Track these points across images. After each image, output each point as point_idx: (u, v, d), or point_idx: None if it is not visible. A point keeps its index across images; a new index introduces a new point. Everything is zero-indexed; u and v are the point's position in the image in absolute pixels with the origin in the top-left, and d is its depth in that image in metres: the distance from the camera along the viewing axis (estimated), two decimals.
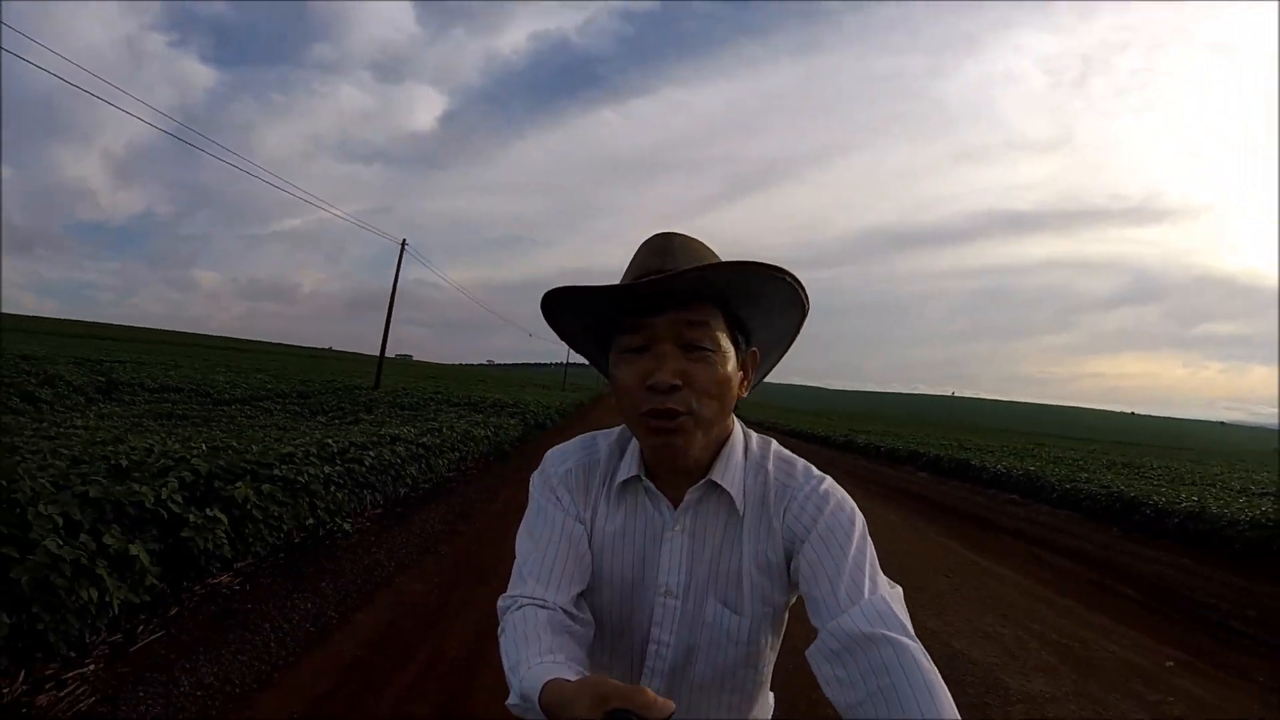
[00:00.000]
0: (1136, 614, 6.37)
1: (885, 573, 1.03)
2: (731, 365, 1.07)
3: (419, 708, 3.41)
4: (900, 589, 1.00)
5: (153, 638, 3.81)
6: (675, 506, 1.14)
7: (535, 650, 0.92)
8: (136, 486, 4.32)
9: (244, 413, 14.59)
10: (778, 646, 1.19)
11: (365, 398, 20.63)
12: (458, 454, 10.58)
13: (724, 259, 1.06)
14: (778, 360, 1.25)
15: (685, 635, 1.12)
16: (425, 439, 9.45)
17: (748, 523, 1.13)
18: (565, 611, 1.04)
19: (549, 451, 1.26)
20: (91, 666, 3.42)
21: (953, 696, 0.85)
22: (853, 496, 1.14)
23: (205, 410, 14.38)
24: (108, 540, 3.77)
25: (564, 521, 1.14)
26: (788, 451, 1.21)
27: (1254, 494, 12.84)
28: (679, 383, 1.01)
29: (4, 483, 3.80)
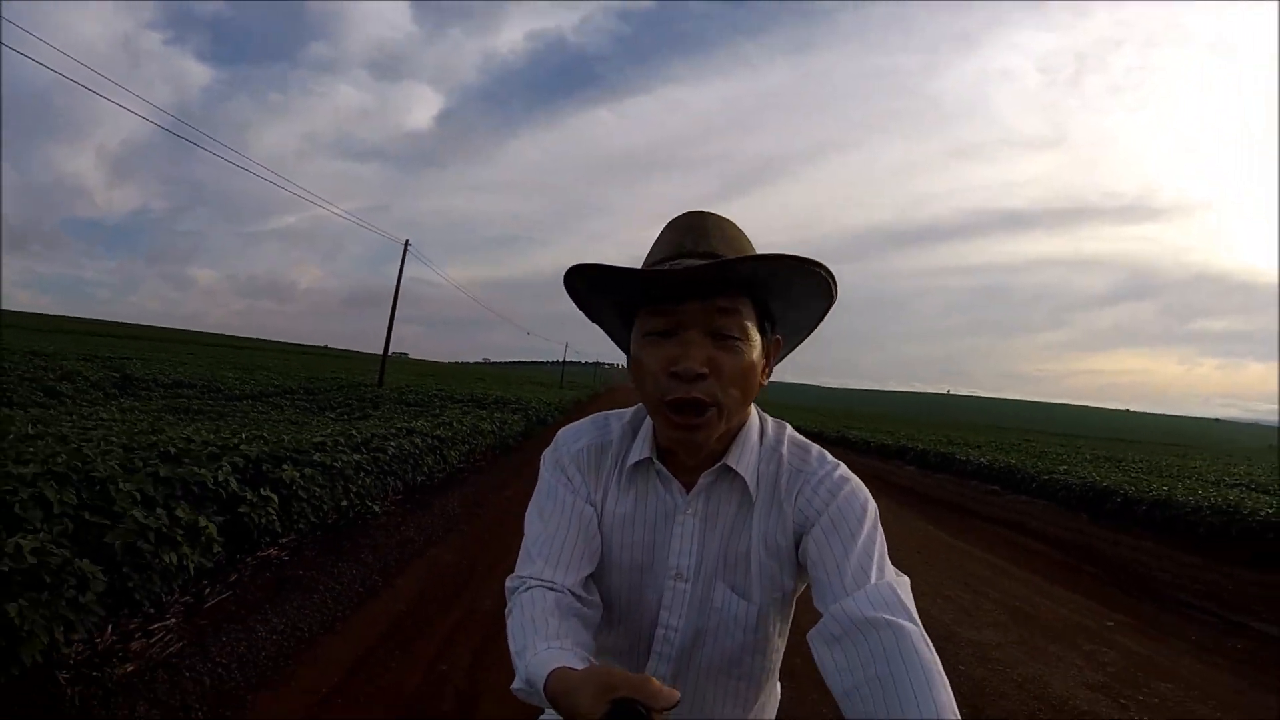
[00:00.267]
0: (1091, 586, 7.02)
1: None
2: (757, 354, 1.06)
3: (460, 648, 4.05)
4: (908, 578, 1.00)
5: (220, 598, 4.39)
6: (687, 490, 1.14)
7: (542, 635, 0.93)
8: (197, 469, 4.91)
9: (255, 408, 14.93)
10: (786, 634, 1.20)
11: (370, 394, 21.13)
12: (467, 446, 11.15)
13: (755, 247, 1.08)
14: (796, 346, 1.24)
15: (694, 619, 1.12)
16: (439, 432, 10.04)
17: (759, 508, 1.12)
18: (573, 594, 1.05)
19: (561, 430, 1.26)
20: (172, 620, 3.99)
21: None
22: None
23: (219, 405, 14.85)
24: (180, 514, 4.34)
25: (574, 502, 1.14)
26: (802, 437, 1.21)
27: (1227, 485, 13.57)
28: (706, 371, 1.00)
29: (80, 464, 4.39)
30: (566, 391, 49.65)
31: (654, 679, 0.75)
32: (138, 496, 4.28)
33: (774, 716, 1.30)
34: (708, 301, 1.00)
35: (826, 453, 1.16)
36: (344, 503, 6.31)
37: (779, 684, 1.27)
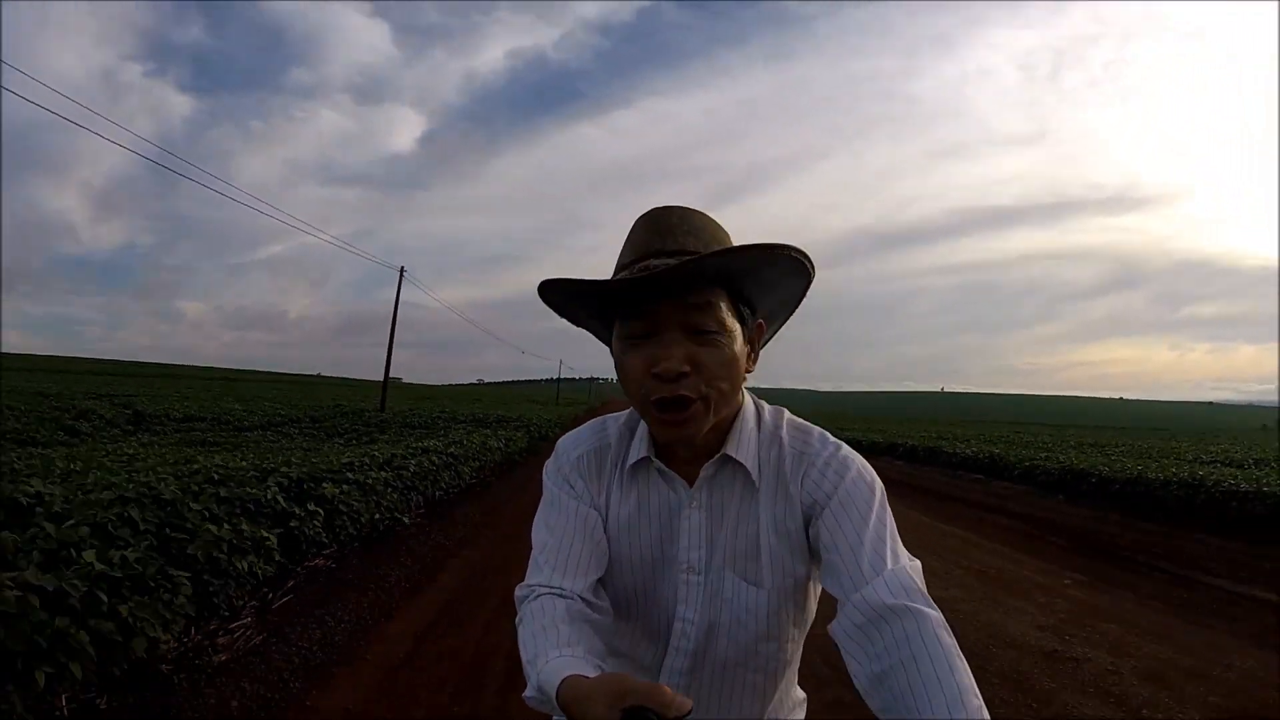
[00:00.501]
0: (1055, 553, 7.78)
1: None
2: (739, 344, 1.05)
3: (504, 623, 4.70)
4: (919, 562, 1.00)
5: (283, 601, 5.02)
6: (690, 484, 1.13)
7: (553, 643, 0.91)
8: (249, 489, 5.54)
9: (267, 437, 15.45)
10: (804, 626, 1.18)
11: (375, 419, 21.69)
12: (478, 463, 11.79)
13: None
14: (781, 326, 1.23)
15: (707, 611, 1.11)
16: (452, 450, 10.69)
17: (764, 493, 1.11)
18: (583, 600, 1.03)
19: (561, 439, 1.26)
20: (248, 619, 4.61)
21: None
22: None
23: (231, 437, 15.36)
24: (244, 528, 4.96)
25: (578, 509, 1.14)
26: (801, 419, 1.20)
27: (1203, 462, 14.30)
28: (687, 369, 1.00)
29: (148, 489, 5.01)
30: (563, 408, 50.34)
31: (667, 687, 0.72)
32: (206, 514, 4.90)
33: None
34: (681, 299, 0.99)
35: (828, 434, 1.16)
36: (377, 515, 6.92)
37: (802, 691, 1.28)
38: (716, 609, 1.11)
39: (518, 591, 1.06)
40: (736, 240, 1.10)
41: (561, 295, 1.07)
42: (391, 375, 32.81)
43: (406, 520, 7.52)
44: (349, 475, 6.85)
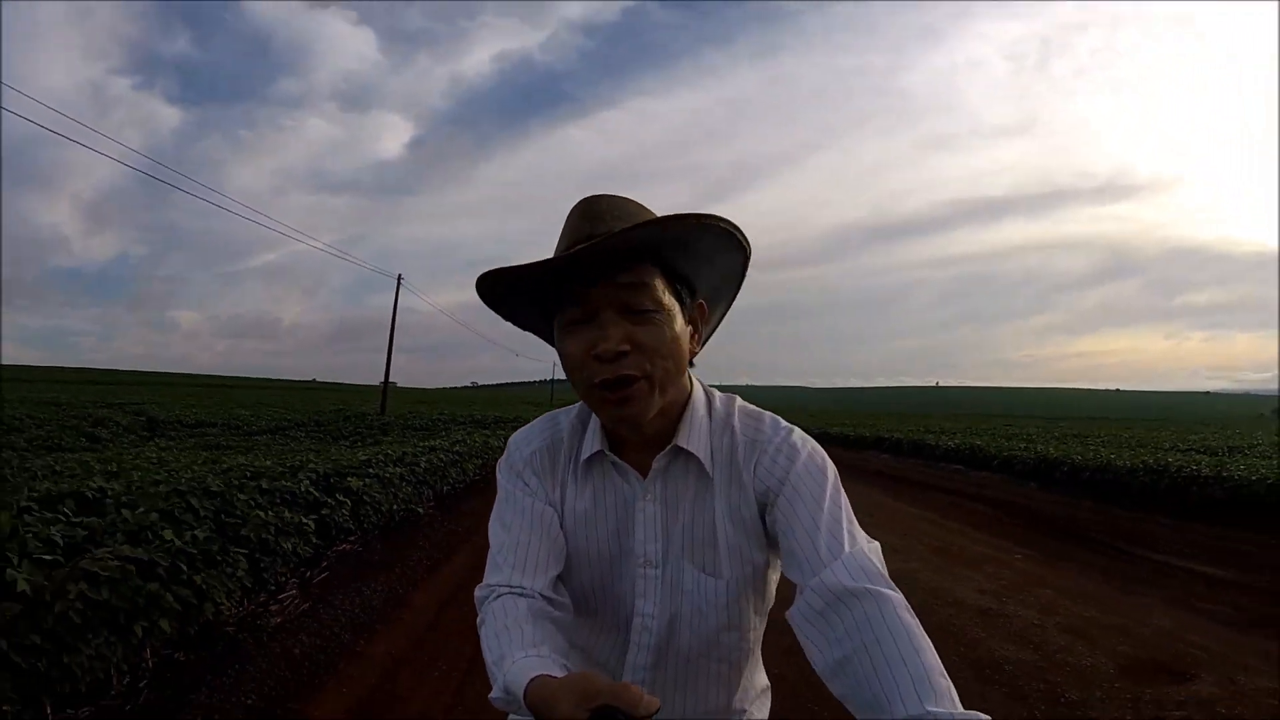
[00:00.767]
0: (1014, 533, 8.48)
1: None
2: (679, 323, 1.04)
3: None
4: (878, 544, 1.00)
5: (321, 577, 5.69)
6: (644, 476, 1.13)
7: (518, 643, 0.91)
8: (285, 482, 6.23)
9: (276, 441, 16.12)
10: (764, 613, 1.18)
11: (376, 422, 22.34)
12: (480, 460, 12.49)
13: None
14: (726, 309, 1.23)
15: (668, 605, 1.11)
16: (457, 448, 11.43)
17: (718, 482, 1.11)
18: (545, 598, 1.03)
19: (513, 436, 1.25)
20: (293, 592, 5.27)
21: None
22: None
23: (243, 440, 15.98)
24: (286, 514, 5.64)
25: (534, 506, 1.13)
26: (753, 406, 1.19)
27: (1180, 451, 14.93)
28: (626, 348, 0.99)
29: (199, 481, 5.69)
30: (557, 408, 51.18)
31: (634, 685, 0.72)
32: (253, 503, 5.57)
33: (767, 712, 1.30)
34: (614, 280, 0.99)
35: (780, 419, 1.15)
36: (395, 506, 7.64)
37: (766, 678, 1.28)
38: (676, 602, 1.11)
39: (478, 592, 1.06)
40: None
41: (500, 290, 1.06)
42: (389, 380, 33.45)
43: (421, 511, 8.26)
44: (369, 471, 7.60)
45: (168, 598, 3.92)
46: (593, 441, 1.15)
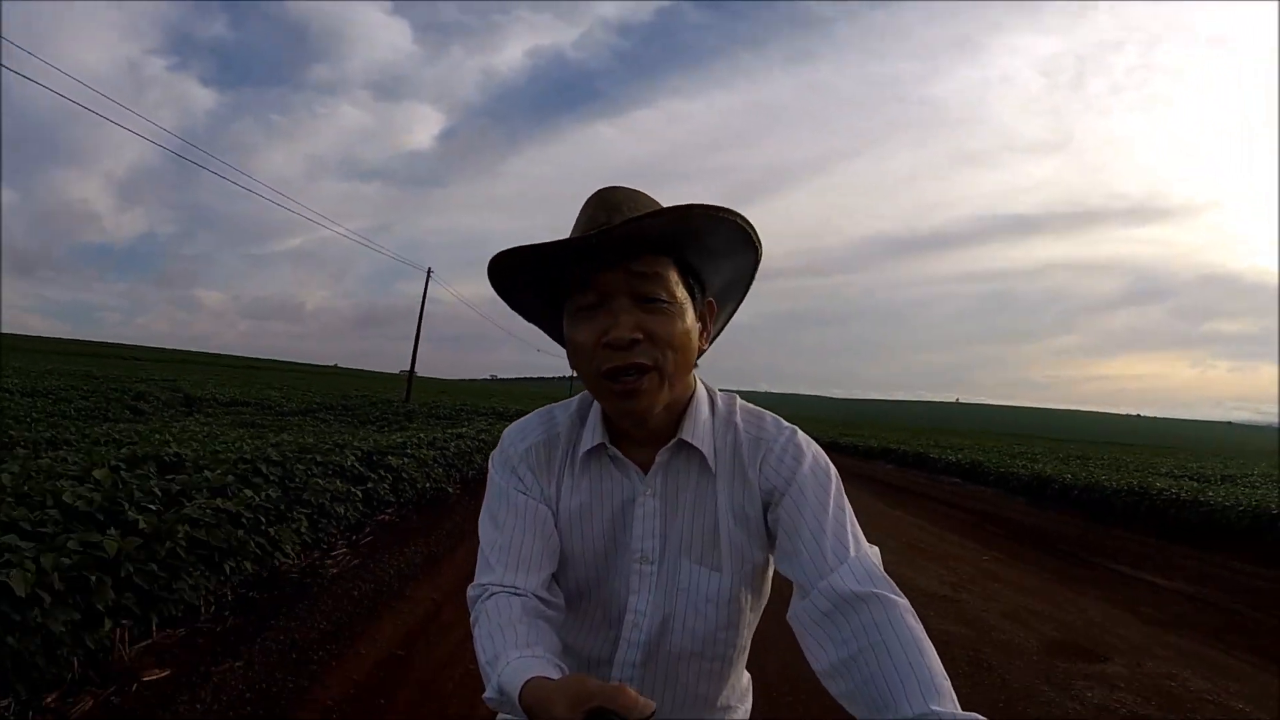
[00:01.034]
0: (988, 539, 9.22)
1: None
2: (690, 317, 1.03)
3: None
4: (877, 548, 1.02)
5: (366, 540, 6.49)
6: (644, 471, 1.12)
7: (512, 643, 0.91)
8: (334, 457, 7.06)
9: (307, 422, 17.09)
10: (759, 611, 1.17)
11: (402, 409, 23.25)
12: None
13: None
14: (734, 310, 1.22)
15: (662, 602, 1.10)
16: (482, 436, 12.31)
17: (721, 479, 1.10)
18: (538, 597, 1.03)
19: (507, 429, 1.22)
20: (343, 550, 6.07)
21: None
22: None
23: (276, 420, 16.87)
24: (339, 484, 6.46)
25: (527, 504, 1.11)
26: (753, 405, 1.19)
27: (1174, 476, 15.43)
28: (638, 336, 0.98)
29: (260, 450, 6.51)
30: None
31: (629, 688, 0.73)
32: (310, 472, 6.39)
33: (749, 710, 1.29)
34: (629, 267, 0.98)
35: (780, 418, 1.15)
36: (428, 484, 8.50)
37: (747, 674, 1.27)
38: (671, 599, 1.09)
39: (470, 591, 1.05)
40: None
41: (512, 272, 1.04)
42: (407, 369, 34.32)
43: (450, 490, 9.11)
44: (406, 451, 8.47)
45: (250, 543, 4.75)
46: (593, 434, 1.13)
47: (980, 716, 0.76)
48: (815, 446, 1.12)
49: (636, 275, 0.99)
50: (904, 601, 0.91)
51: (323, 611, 4.58)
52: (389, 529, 7.07)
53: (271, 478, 5.86)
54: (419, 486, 8.25)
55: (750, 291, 1.17)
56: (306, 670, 3.72)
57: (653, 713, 0.72)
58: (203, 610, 4.31)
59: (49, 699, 3.17)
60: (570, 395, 1.27)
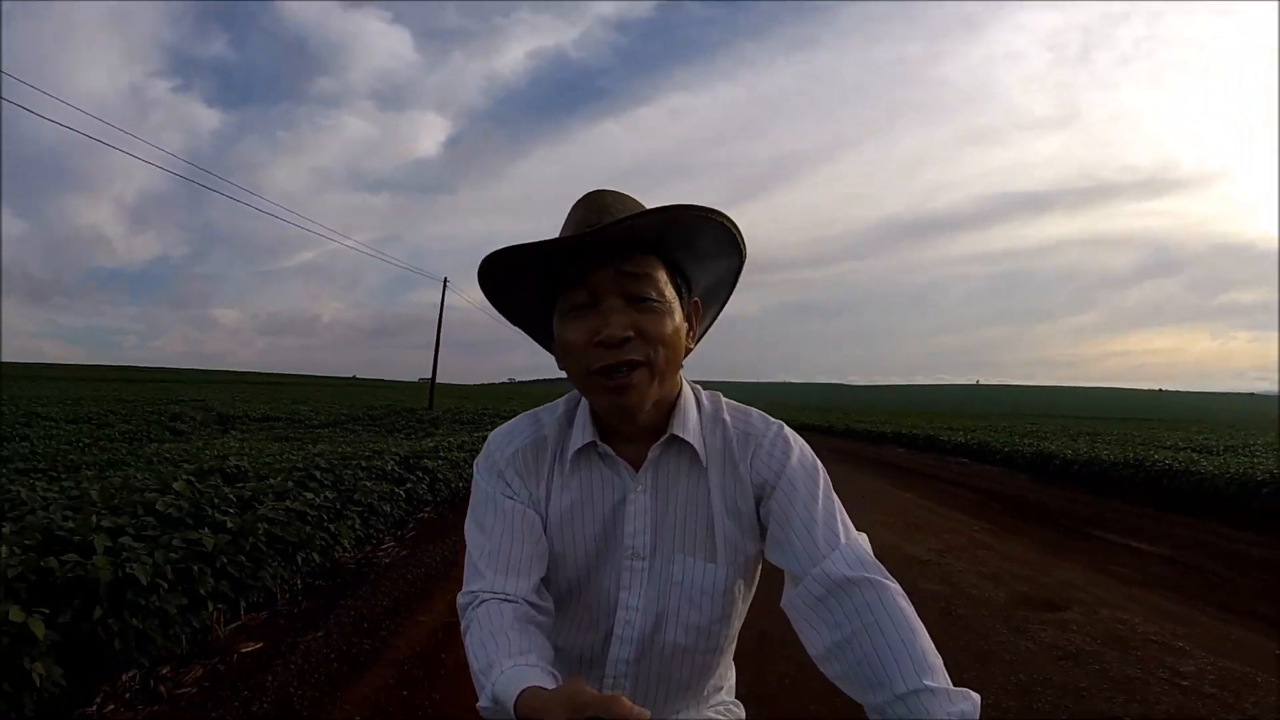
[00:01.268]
0: (984, 513, 9.82)
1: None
2: (679, 315, 1.07)
3: None
4: (866, 535, 1.06)
5: (410, 535, 7.20)
6: (635, 469, 1.14)
7: (505, 651, 0.91)
8: (375, 462, 7.78)
9: (338, 433, 17.79)
10: (748, 601, 1.20)
11: (426, 417, 23.97)
12: None
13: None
14: (718, 313, 1.25)
15: (654, 598, 1.12)
16: None
17: (713, 474, 1.14)
18: (529, 603, 1.03)
19: (492, 433, 1.23)
20: (390, 544, 6.78)
21: None
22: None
23: (308, 433, 17.61)
24: (384, 486, 7.18)
25: (514, 508, 1.12)
26: (737, 402, 1.22)
27: (1178, 448, 15.91)
28: (630, 334, 1.00)
29: (310, 459, 7.23)
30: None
31: (624, 698, 0.72)
32: (358, 476, 7.11)
33: (733, 692, 1.34)
34: (619, 267, 1.01)
35: (766, 414, 1.19)
36: (462, 484, 9.22)
37: (731, 664, 1.31)
38: (664, 594, 1.11)
39: (460, 599, 1.05)
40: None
41: (501, 272, 1.06)
42: (427, 376, 35.02)
43: None
44: (440, 454, 9.19)
45: (316, 538, 5.46)
46: (582, 433, 1.15)
47: (971, 691, 0.83)
48: (801, 440, 1.16)
49: (627, 275, 1.02)
50: (895, 585, 0.96)
51: (383, 592, 5.29)
52: (429, 524, 7.77)
53: (325, 482, 6.60)
54: (453, 486, 8.96)
55: (735, 291, 1.21)
56: (378, 635, 4.44)
57: None
58: (279, 596, 5.00)
59: (164, 670, 3.84)
60: None
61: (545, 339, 1.20)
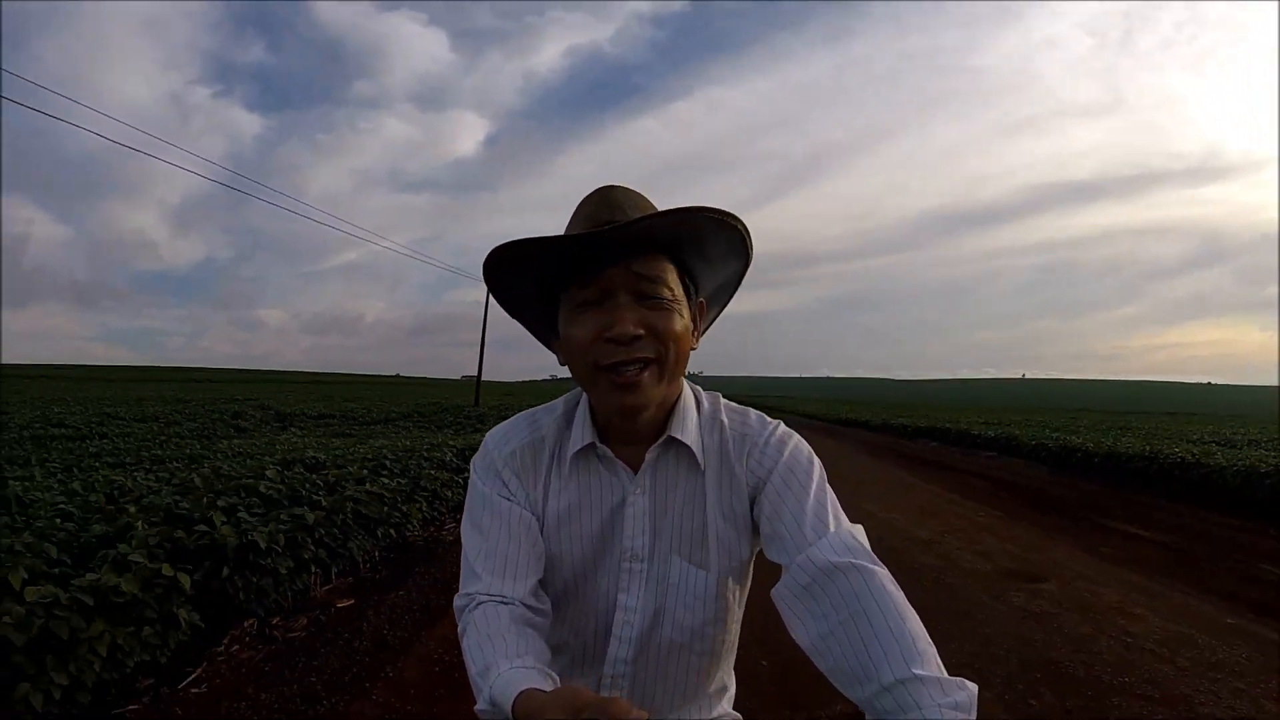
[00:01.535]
0: (994, 500, 10.45)
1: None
2: (687, 315, 1.07)
3: None
4: (861, 527, 1.04)
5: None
6: (634, 471, 1.14)
7: (503, 653, 0.92)
8: (435, 453, 8.68)
9: (389, 429, 18.74)
10: (743, 602, 1.22)
11: (472, 414, 24.85)
12: None
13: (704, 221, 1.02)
14: (719, 314, 1.26)
15: (652, 599, 1.13)
16: None
17: (710, 476, 1.15)
18: (525, 605, 1.04)
19: (490, 433, 1.24)
20: (452, 525, 7.64)
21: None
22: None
23: (363, 429, 18.47)
24: (445, 475, 8.06)
25: (510, 509, 1.13)
26: (735, 403, 1.23)
27: (1202, 442, 15.82)
28: (640, 332, 1.01)
29: (378, 451, 8.12)
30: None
31: (622, 699, 0.73)
32: (422, 466, 8.01)
33: (733, 698, 1.34)
34: (629, 265, 1.01)
35: (764, 414, 1.19)
36: None
37: (732, 672, 1.32)
38: (662, 595, 1.13)
39: (457, 601, 1.06)
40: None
41: (505, 272, 1.07)
42: (470, 374, 35.79)
43: None
44: None
45: (392, 516, 6.34)
46: (581, 435, 1.15)
47: (967, 681, 0.80)
48: (798, 438, 1.16)
49: (638, 274, 1.01)
50: (883, 570, 0.93)
51: (449, 563, 6.17)
52: None
53: (395, 470, 7.50)
54: None
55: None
56: (449, 594, 5.19)
57: None
58: (362, 565, 5.88)
59: (276, 620, 4.72)
60: None
61: (543, 334, 1.21)
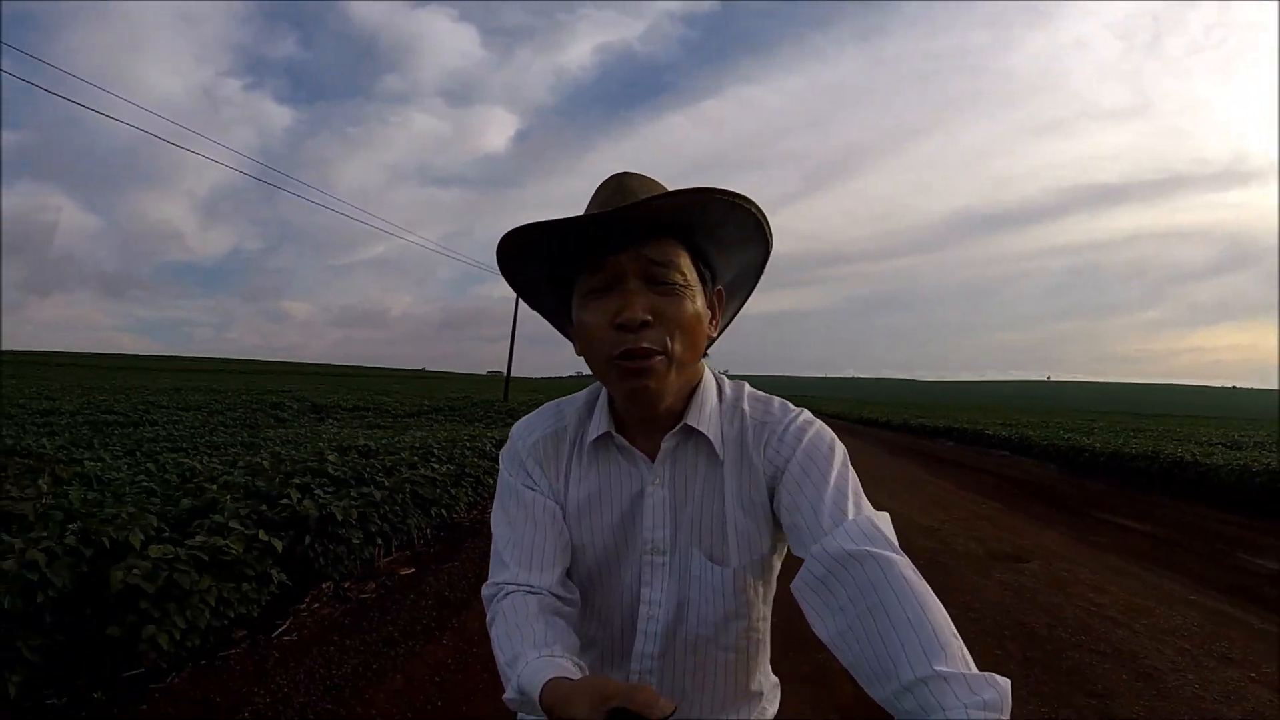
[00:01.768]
0: (999, 495, 11.05)
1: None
2: (701, 301, 1.04)
3: None
4: (887, 514, 0.98)
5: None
6: (652, 460, 1.11)
7: (530, 642, 0.91)
8: (475, 443, 9.41)
9: (423, 422, 19.37)
10: (770, 600, 1.18)
11: (503, 408, 25.43)
12: None
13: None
14: (743, 303, 1.22)
15: (675, 591, 1.10)
16: None
17: (729, 466, 1.10)
18: (553, 594, 1.04)
19: (515, 425, 1.23)
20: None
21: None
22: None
23: (397, 422, 19.06)
24: (486, 463, 8.79)
25: (535, 499, 1.12)
26: (762, 392, 1.18)
27: (1209, 444, 16.18)
28: (650, 318, 0.98)
29: (423, 440, 8.85)
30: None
31: (649, 687, 0.72)
32: (466, 454, 8.74)
33: (776, 710, 1.28)
34: (642, 249, 0.98)
35: (788, 403, 1.14)
36: None
37: (775, 676, 1.28)
38: (684, 588, 1.09)
39: (485, 590, 1.06)
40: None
41: (517, 258, 1.05)
42: (495, 370, 36.35)
43: None
44: None
45: (443, 498, 7.07)
46: (599, 424, 1.13)
47: (999, 677, 0.72)
48: (820, 424, 1.10)
49: (648, 258, 0.99)
50: (903, 558, 0.88)
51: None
52: None
53: (442, 458, 8.23)
54: None
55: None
56: None
57: (673, 712, 0.70)
58: (417, 540, 6.60)
59: (348, 584, 5.43)
60: None
61: (561, 323, 1.18)
